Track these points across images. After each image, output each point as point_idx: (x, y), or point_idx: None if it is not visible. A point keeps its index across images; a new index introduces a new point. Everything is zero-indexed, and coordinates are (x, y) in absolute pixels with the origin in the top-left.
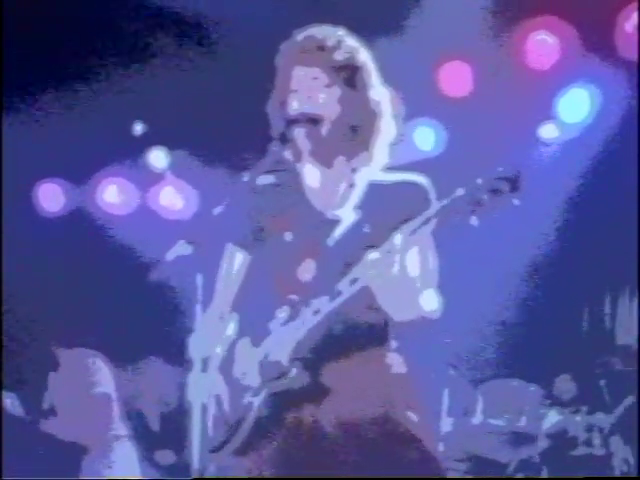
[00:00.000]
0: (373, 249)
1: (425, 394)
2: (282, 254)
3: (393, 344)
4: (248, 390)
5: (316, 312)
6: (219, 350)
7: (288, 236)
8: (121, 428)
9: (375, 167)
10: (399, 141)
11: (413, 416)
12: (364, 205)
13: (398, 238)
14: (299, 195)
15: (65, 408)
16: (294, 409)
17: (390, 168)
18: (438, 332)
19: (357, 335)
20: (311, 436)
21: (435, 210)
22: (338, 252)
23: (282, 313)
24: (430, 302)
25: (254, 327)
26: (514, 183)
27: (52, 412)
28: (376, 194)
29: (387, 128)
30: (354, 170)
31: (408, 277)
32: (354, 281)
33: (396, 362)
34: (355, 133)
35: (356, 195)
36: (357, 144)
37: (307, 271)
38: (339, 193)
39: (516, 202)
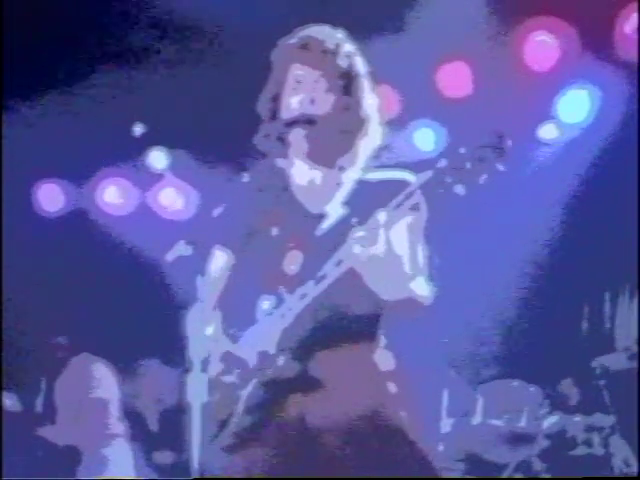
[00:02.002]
0: (358, 227)
1: (418, 392)
2: (270, 248)
3: (383, 340)
4: (236, 383)
5: (302, 296)
6: (213, 346)
7: (275, 231)
8: (118, 430)
9: (362, 167)
10: (385, 146)
11: (405, 414)
12: (352, 201)
13: (382, 215)
14: (288, 193)
15: (64, 412)
16: (282, 401)
17: (378, 166)
18: (431, 327)
19: (346, 326)
20: (300, 431)
21: (419, 183)
22: (325, 243)
23: (268, 302)
24: (420, 286)
25: (241, 319)
26: (498, 150)
27: (50, 418)
28: (364, 191)
29: (374, 133)
30: (342, 169)
31: (394, 254)
32: (339, 262)
33: (385, 358)
34: (345, 135)
35: (343, 192)
36: (346, 145)
37: (294, 263)
38: (327, 190)
39: (501, 168)
